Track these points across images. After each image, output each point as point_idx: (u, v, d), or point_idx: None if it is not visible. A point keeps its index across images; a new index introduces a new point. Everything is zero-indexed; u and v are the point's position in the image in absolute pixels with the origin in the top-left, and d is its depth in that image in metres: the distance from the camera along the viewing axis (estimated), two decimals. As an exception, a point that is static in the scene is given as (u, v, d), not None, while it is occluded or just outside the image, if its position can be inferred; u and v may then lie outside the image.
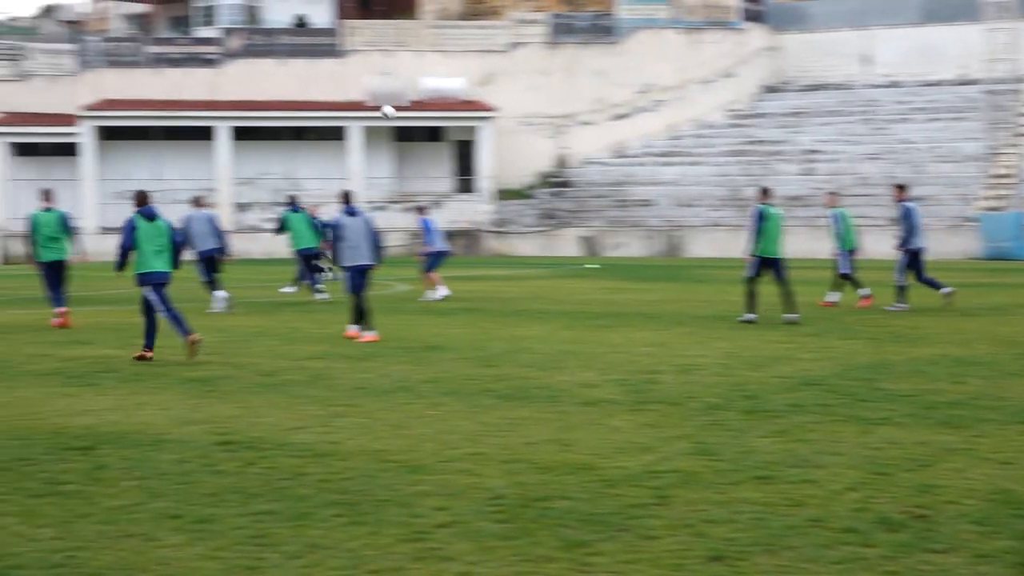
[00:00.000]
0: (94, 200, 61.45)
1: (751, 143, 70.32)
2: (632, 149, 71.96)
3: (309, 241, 30.28)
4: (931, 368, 15.79)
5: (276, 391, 14.20)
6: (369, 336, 19.82)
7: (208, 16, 77.78)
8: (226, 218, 59.41)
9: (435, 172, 68.52)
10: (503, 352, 17.82)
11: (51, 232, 22.96)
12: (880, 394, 13.62)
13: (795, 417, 12.14)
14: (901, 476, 9.56)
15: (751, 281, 22.67)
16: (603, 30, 72.86)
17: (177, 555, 7.80)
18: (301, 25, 75.08)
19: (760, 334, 20.34)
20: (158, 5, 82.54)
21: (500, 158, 67.81)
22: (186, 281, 27.18)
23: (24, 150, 63.34)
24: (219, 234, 27.15)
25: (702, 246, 62.27)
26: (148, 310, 17.44)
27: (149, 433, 11.55)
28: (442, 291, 29.75)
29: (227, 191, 62.02)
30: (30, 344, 19.40)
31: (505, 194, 67.66)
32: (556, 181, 70.00)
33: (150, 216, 17.44)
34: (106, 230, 59.01)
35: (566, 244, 64.35)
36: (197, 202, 27.86)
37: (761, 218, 22.73)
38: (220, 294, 26.01)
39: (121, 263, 17.47)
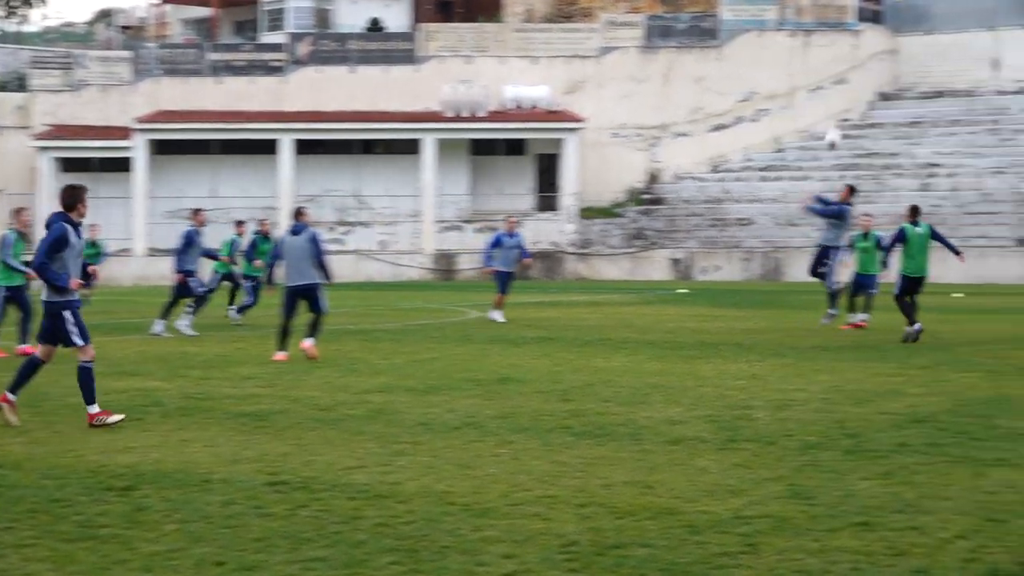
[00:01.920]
0: (144, 219, 62.08)
1: (863, 156, 69.85)
2: (731, 163, 71.78)
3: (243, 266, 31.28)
4: (1053, 404, 15.66)
5: (333, 427, 14.28)
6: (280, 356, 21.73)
7: (275, 20, 78.64)
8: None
9: (515, 188, 68.68)
10: (582, 385, 17.82)
11: None
12: (996, 433, 13.49)
13: (901, 458, 12.05)
14: (1017, 523, 9.47)
15: (899, 298, 24.82)
16: (704, 33, 72.77)
17: (218, 604, 7.87)
18: (375, 29, 75.63)
19: (865, 366, 20.22)
20: (221, 9, 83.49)
21: (586, 173, 67.84)
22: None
23: (73, 165, 64.17)
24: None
25: (805, 269, 61.84)
26: None
27: (194, 472, 11.65)
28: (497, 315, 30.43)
29: (289, 209, 62.49)
30: (70, 375, 19.62)
31: (590, 212, 67.66)
32: (647, 198, 69.93)
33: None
34: (155, 252, 59.59)
35: (655, 267, 64.26)
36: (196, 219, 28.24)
37: (902, 238, 25.03)
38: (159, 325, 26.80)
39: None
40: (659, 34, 72.32)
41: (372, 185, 66.69)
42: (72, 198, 14.55)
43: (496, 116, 66.81)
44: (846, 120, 72.91)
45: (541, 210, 67.75)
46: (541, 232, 65.69)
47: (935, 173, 66.89)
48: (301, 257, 22.04)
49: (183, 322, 27.28)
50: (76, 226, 14.45)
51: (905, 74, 75.08)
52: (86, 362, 14.50)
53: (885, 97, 74.65)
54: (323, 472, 11.62)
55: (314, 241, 22.12)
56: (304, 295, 22.14)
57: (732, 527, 9.44)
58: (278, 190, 63.88)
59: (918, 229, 25.21)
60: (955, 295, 41.91)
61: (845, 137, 71.66)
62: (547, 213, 66.75)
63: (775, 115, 72.26)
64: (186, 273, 27.00)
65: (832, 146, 28.19)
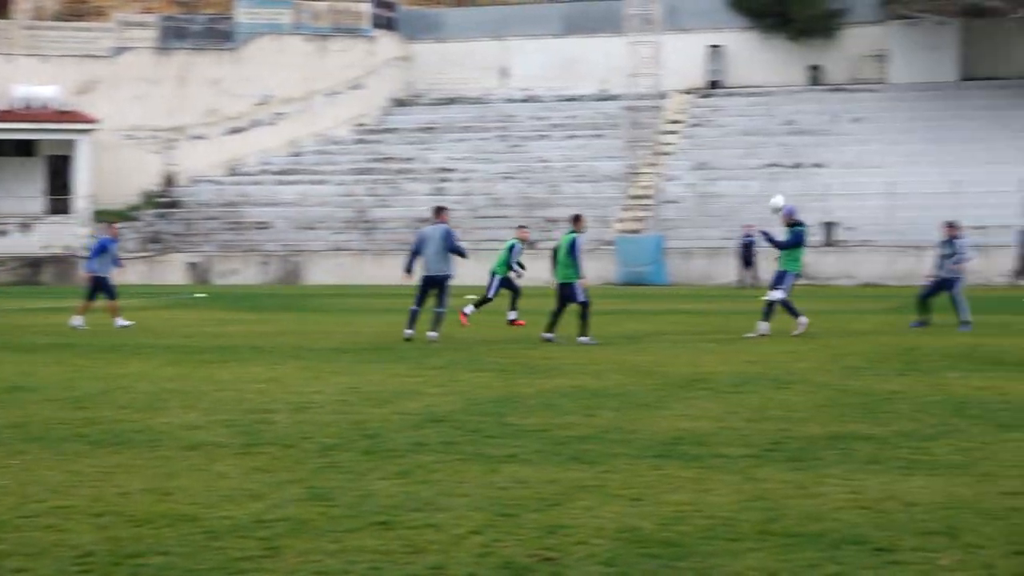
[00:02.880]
0: None
1: (379, 160, 70.95)
2: (248, 166, 71.67)
3: None
4: (562, 401, 16.25)
5: None
6: None
7: None
8: None
9: (25, 191, 66.53)
10: (97, 392, 17.41)
11: None
12: (508, 429, 13.91)
13: (417, 457, 12.27)
14: (528, 517, 9.75)
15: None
16: (220, 35, 72.36)
17: None
18: None
19: (384, 367, 20.54)
20: None
21: (100, 175, 66.43)
22: None
23: None
24: None
25: (324, 272, 62.45)
26: None
27: None
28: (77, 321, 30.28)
29: None
30: None
31: (105, 215, 66.21)
32: (163, 201, 69.03)
33: None
34: None
35: (172, 271, 63.53)
36: None
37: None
38: None
39: None
40: (174, 35, 71.55)
41: None
42: None
43: (4, 116, 64.58)
44: (362, 125, 73.94)
45: (53, 213, 65.84)
46: (53, 236, 63.89)
47: (448, 178, 68.62)
48: None
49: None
50: None
51: (419, 80, 76.76)
52: None
53: (400, 103, 76.08)
54: None
55: None
56: None
57: (252, 531, 9.40)
58: None
59: (565, 238, 25.85)
60: (468, 297, 42.84)
61: (359, 142, 72.63)
62: (59, 216, 64.97)
63: (292, 119, 72.60)
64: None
65: (776, 210, 28.38)
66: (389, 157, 70.99)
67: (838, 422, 14.34)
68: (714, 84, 75.45)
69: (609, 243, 61.47)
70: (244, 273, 63.29)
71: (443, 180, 68.14)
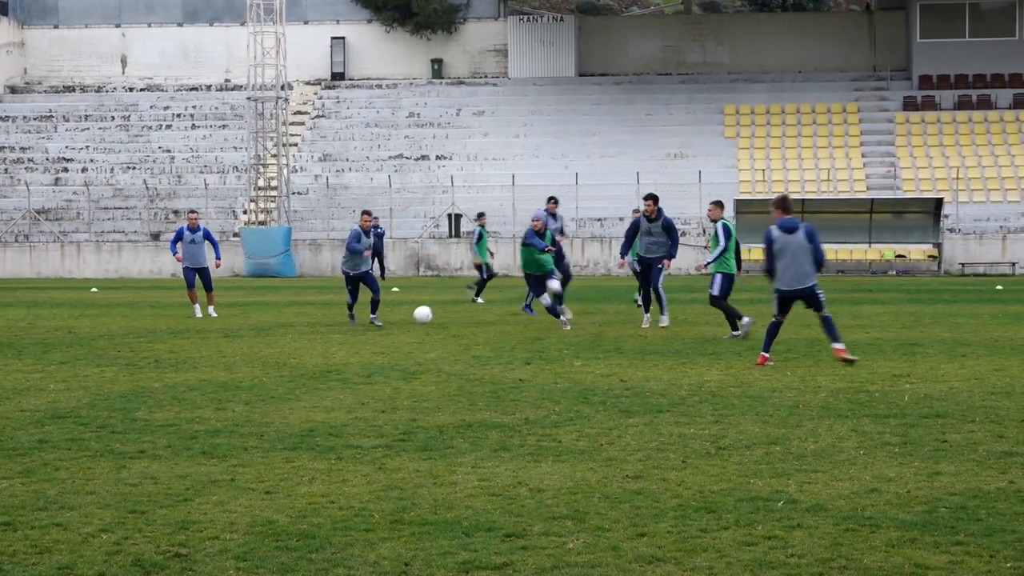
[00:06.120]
0: None
1: (-6, 150, 68.71)
2: None
3: None
4: (192, 395, 16.05)
5: None
6: None
7: None
8: None
9: None
10: None
11: None
12: (137, 425, 13.66)
13: (41, 454, 11.94)
14: (159, 513, 9.61)
15: None
16: None
17: None
18: None
19: (3, 363, 19.93)
20: None
21: None
22: None
23: None
24: None
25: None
26: None
27: None
28: None
29: None
30: None
31: None
32: None
33: None
34: None
35: None
36: None
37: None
38: None
39: None
40: None
41: None
42: None
43: None
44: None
45: None
46: None
47: (68, 168, 66.94)
48: None
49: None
50: None
51: (34, 67, 74.66)
52: None
53: (14, 90, 73.80)
54: None
55: None
56: None
57: None
58: None
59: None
60: (93, 290, 42.01)
61: (-26, 130, 70.05)
62: None
63: None
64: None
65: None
66: (4, 147, 68.80)
67: (468, 411, 14.58)
68: (338, 76, 75.67)
69: (236, 235, 60.95)
70: None
71: (62, 170, 66.42)
